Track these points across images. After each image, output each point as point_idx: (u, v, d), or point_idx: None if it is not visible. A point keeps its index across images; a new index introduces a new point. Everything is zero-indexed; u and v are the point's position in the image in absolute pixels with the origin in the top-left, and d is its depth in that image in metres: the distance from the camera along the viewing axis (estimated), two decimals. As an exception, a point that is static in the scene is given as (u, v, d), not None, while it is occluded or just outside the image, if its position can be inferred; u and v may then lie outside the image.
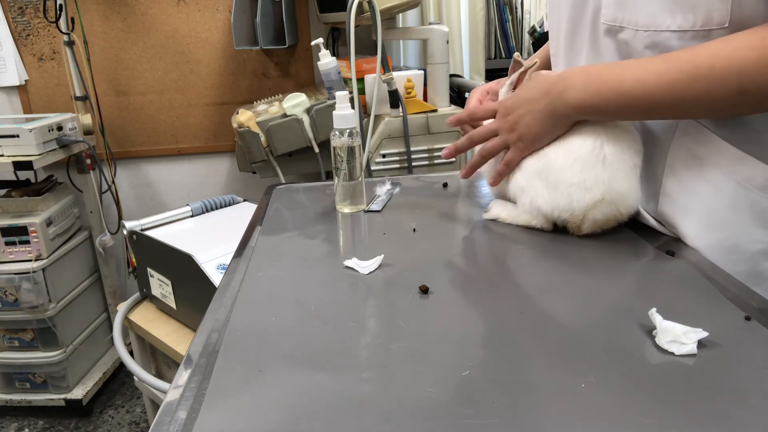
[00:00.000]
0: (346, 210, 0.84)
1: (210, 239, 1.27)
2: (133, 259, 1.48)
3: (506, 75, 0.80)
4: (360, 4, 1.44)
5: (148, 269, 1.37)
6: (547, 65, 0.85)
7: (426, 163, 1.62)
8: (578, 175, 0.66)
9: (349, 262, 0.65)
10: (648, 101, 0.60)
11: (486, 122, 0.77)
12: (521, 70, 0.76)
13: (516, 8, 2.32)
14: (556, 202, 0.68)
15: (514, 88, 0.78)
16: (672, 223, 0.68)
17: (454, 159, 1.62)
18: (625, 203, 0.67)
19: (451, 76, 1.80)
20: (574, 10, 0.72)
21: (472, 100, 0.87)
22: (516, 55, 0.77)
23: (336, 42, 2.10)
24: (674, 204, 0.67)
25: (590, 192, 0.66)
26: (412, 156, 1.59)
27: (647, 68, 0.60)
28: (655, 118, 0.67)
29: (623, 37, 0.65)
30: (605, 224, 0.69)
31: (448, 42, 1.61)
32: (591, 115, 0.65)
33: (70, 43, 1.91)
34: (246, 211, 1.47)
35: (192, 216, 1.45)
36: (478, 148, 0.77)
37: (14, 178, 2.02)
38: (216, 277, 1.13)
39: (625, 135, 0.67)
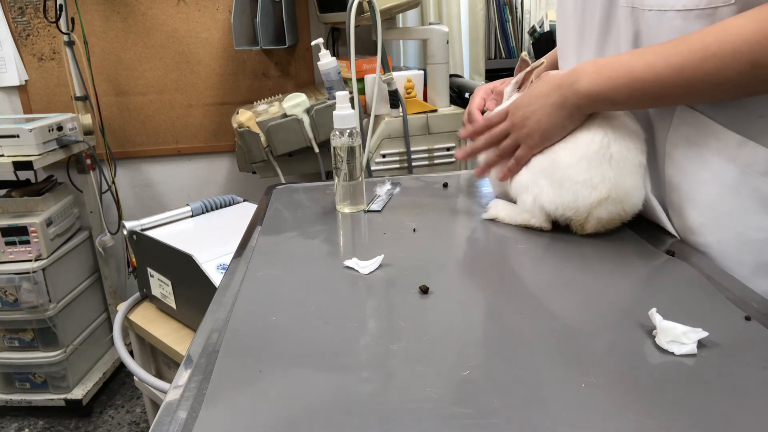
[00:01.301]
0: (346, 210, 0.84)
1: (210, 239, 1.27)
2: (133, 259, 1.48)
3: (506, 75, 0.80)
4: (360, 4, 1.44)
5: (148, 269, 1.37)
6: (554, 66, 0.85)
7: (426, 163, 1.62)
8: (584, 173, 0.66)
9: (349, 262, 0.65)
10: (659, 84, 0.59)
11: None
12: (527, 69, 0.76)
13: (516, 8, 2.31)
14: (561, 200, 0.68)
15: (519, 88, 0.78)
16: (678, 213, 0.68)
17: (455, 159, 1.62)
18: (630, 201, 0.67)
19: (451, 76, 1.80)
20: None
21: (476, 98, 0.87)
22: (523, 53, 0.77)
23: (336, 42, 2.10)
24: (679, 194, 0.67)
25: (596, 190, 0.66)
26: (412, 156, 1.59)
27: (657, 52, 0.59)
28: (668, 104, 0.65)
29: (636, 19, 0.64)
30: (609, 223, 0.69)
31: (448, 42, 1.61)
32: (602, 104, 0.64)
33: (70, 43, 1.91)
34: (246, 211, 1.47)
35: (192, 216, 1.45)
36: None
37: (14, 178, 2.02)
38: (216, 277, 1.13)
39: (631, 134, 0.67)
